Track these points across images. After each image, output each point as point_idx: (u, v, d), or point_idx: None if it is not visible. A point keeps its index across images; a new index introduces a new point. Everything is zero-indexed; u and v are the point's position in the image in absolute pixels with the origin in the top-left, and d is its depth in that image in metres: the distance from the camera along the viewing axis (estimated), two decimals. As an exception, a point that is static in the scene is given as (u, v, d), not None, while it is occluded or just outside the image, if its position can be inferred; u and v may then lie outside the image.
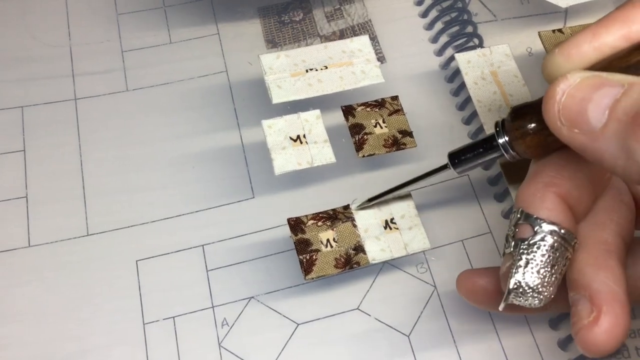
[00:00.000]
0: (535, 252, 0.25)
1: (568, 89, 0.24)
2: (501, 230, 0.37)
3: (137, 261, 0.37)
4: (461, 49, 0.42)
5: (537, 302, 0.26)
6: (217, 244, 0.37)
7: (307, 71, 0.37)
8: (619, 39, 0.25)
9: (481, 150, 0.29)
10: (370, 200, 0.34)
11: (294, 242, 0.33)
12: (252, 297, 0.36)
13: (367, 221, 0.34)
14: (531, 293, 0.25)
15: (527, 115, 0.27)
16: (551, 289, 0.26)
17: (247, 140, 0.40)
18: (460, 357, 0.34)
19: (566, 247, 0.26)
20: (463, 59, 0.39)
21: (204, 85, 0.42)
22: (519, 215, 0.26)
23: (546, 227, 0.25)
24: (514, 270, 0.25)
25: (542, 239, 0.25)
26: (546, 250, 0.25)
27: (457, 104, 0.41)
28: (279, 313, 0.35)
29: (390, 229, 0.34)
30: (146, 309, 0.35)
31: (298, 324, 0.35)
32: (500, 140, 0.28)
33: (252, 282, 0.36)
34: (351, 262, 0.33)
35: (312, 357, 0.34)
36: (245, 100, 0.42)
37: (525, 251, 0.25)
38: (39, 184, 0.39)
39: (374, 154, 0.36)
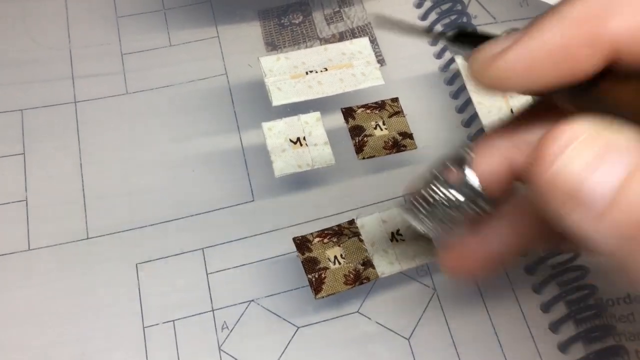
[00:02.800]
0: (444, 195, 0.24)
1: (561, 154, 0.18)
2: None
3: (137, 264, 0.36)
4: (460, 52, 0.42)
5: (426, 232, 0.25)
6: (217, 247, 0.37)
7: (307, 73, 0.37)
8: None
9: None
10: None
11: (302, 261, 0.33)
12: (252, 301, 0.35)
13: (373, 235, 0.34)
14: (423, 223, 0.24)
15: None
16: (438, 233, 0.24)
17: (247, 142, 0.40)
18: (460, 360, 0.34)
19: (477, 211, 0.24)
20: (463, 62, 0.39)
21: (204, 88, 0.42)
22: (458, 157, 0.24)
23: (467, 182, 0.23)
24: (418, 195, 0.24)
25: (460, 190, 0.23)
26: (451, 203, 0.24)
27: (457, 107, 0.41)
28: (279, 316, 0.35)
29: (397, 240, 0.34)
30: (146, 312, 0.35)
31: (298, 327, 0.35)
32: None
33: (253, 286, 0.36)
34: (361, 277, 0.33)
35: (312, 360, 0.34)
36: (245, 103, 0.41)
37: (436, 192, 0.24)
38: (38, 187, 0.39)
39: (374, 156, 0.36)
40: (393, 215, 0.34)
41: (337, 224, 0.34)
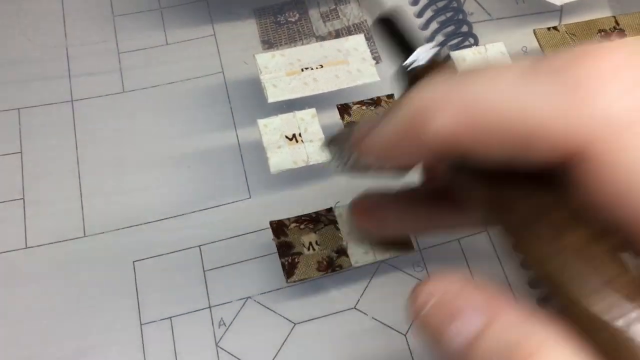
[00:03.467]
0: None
1: (424, 312, 0.19)
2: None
3: (134, 262, 0.37)
4: (456, 48, 0.42)
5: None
6: (213, 244, 0.37)
7: (302, 70, 0.37)
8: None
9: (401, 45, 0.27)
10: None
11: (276, 245, 0.33)
12: (249, 297, 0.36)
13: (350, 224, 0.34)
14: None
15: None
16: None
17: (243, 140, 0.40)
18: (457, 356, 0.34)
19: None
20: (458, 57, 0.39)
21: (200, 86, 0.42)
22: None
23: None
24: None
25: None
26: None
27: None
28: (276, 313, 0.35)
29: None
30: (143, 309, 0.35)
31: (295, 324, 0.35)
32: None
33: (249, 282, 0.36)
34: (334, 265, 0.33)
35: (310, 357, 0.34)
36: (241, 100, 0.42)
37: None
38: (35, 186, 0.39)
39: (369, 152, 0.36)
40: None
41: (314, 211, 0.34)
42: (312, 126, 0.36)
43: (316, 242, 0.34)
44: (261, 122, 0.36)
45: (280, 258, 0.33)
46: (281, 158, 0.35)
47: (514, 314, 0.18)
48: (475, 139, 0.19)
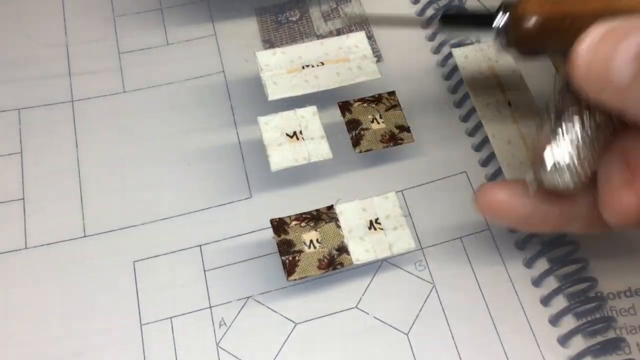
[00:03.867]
0: (578, 124, 0.23)
1: (591, 47, 0.22)
2: (500, 228, 0.37)
3: (134, 262, 0.36)
4: (458, 45, 0.42)
5: (570, 181, 0.24)
6: (214, 243, 0.37)
7: (303, 67, 0.37)
8: None
9: (475, 24, 0.28)
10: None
11: (277, 243, 0.33)
12: (250, 297, 0.35)
13: (351, 222, 0.34)
14: (567, 170, 0.24)
15: (533, 4, 0.25)
16: (588, 168, 0.24)
17: (244, 138, 0.40)
18: (459, 356, 0.34)
19: (611, 124, 0.24)
20: (460, 54, 0.39)
21: (201, 85, 0.42)
22: (563, 82, 0.24)
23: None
24: (552, 144, 0.24)
25: (588, 113, 0.24)
26: (589, 125, 0.23)
27: (454, 101, 0.41)
28: (276, 312, 0.35)
29: (375, 229, 0.34)
30: (143, 309, 0.35)
31: (296, 323, 0.35)
32: (499, 22, 0.27)
33: (250, 282, 0.36)
34: (335, 262, 0.33)
35: (311, 356, 0.34)
36: (242, 99, 0.41)
37: (566, 123, 0.24)
38: (36, 186, 0.39)
39: (371, 150, 0.36)
40: (373, 204, 0.34)
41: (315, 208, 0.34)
42: (313, 124, 0.36)
43: (317, 240, 0.33)
44: (262, 119, 0.36)
45: (280, 256, 0.33)
46: (282, 156, 0.35)
47: None
48: None
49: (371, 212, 0.34)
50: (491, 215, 0.30)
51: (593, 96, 0.23)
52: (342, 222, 0.34)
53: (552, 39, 0.24)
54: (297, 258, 0.33)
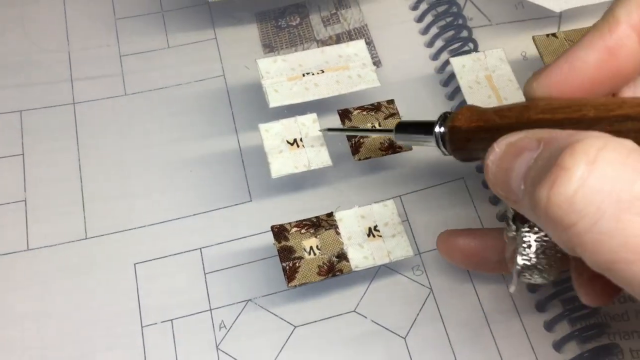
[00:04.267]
0: (538, 232, 0.25)
1: (496, 161, 0.24)
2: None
3: (135, 264, 0.37)
4: (456, 53, 0.43)
5: (545, 280, 0.26)
6: (214, 247, 0.37)
7: (303, 75, 0.37)
8: (597, 52, 0.25)
9: (422, 131, 0.31)
10: (331, 129, 0.36)
11: (277, 250, 0.34)
12: (250, 300, 0.36)
13: (351, 229, 0.34)
14: (539, 273, 0.25)
15: (462, 119, 0.28)
16: (559, 265, 0.25)
17: (244, 144, 0.40)
18: (456, 359, 0.34)
19: None
20: (458, 63, 0.39)
21: (202, 89, 0.43)
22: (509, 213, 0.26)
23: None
24: (518, 254, 0.25)
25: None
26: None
27: (452, 108, 0.42)
28: (276, 316, 0.35)
29: (374, 236, 0.34)
30: (144, 311, 0.35)
31: (295, 327, 0.35)
32: (437, 130, 0.29)
33: (250, 285, 0.36)
34: (334, 269, 0.33)
35: (310, 359, 0.34)
36: (243, 104, 0.42)
37: (528, 233, 0.25)
38: (37, 188, 0.39)
39: (370, 157, 0.36)
40: (372, 211, 0.35)
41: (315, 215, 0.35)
42: (313, 131, 0.36)
43: (317, 247, 0.34)
44: (263, 126, 0.36)
45: (281, 262, 0.33)
46: (282, 163, 0.35)
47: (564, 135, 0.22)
48: None
49: (370, 220, 0.35)
50: (451, 260, 0.33)
51: (505, 201, 0.25)
52: (341, 229, 0.34)
53: (481, 148, 0.26)
54: (297, 264, 0.33)
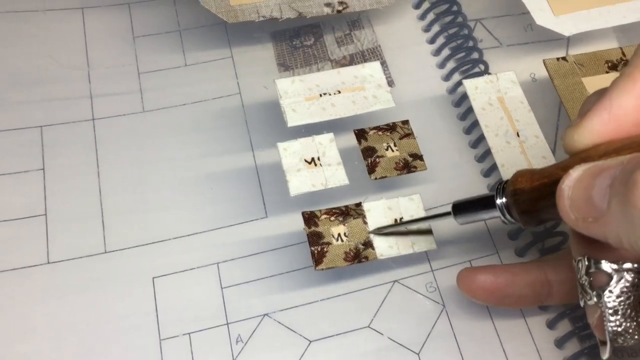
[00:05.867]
0: (621, 296, 0.25)
1: (573, 183, 0.25)
2: (507, 250, 0.38)
3: (153, 278, 0.37)
4: (467, 74, 0.43)
5: (633, 340, 0.26)
6: (231, 262, 0.38)
7: (321, 95, 0.38)
8: (635, 97, 0.26)
9: (481, 207, 0.31)
10: (380, 229, 0.36)
11: (307, 234, 0.35)
12: (266, 314, 0.36)
13: (377, 219, 0.36)
14: (630, 336, 0.25)
15: (523, 181, 0.28)
16: None
17: (260, 161, 0.41)
18: (468, 374, 0.35)
19: None
20: (471, 86, 0.40)
21: (218, 107, 0.44)
22: (587, 264, 0.26)
23: (621, 268, 0.25)
24: (607, 321, 0.25)
25: (621, 281, 0.25)
26: (630, 290, 0.25)
27: (464, 128, 0.43)
28: (292, 330, 0.36)
29: None
30: (162, 325, 0.36)
31: (311, 341, 0.36)
32: (498, 201, 0.30)
33: (266, 300, 0.37)
34: (360, 256, 0.34)
35: (324, 373, 0.35)
36: (258, 122, 0.43)
37: (610, 299, 0.25)
38: (58, 202, 0.40)
39: (385, 177, 0.37)
40: (398, 204, 0.36)
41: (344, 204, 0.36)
42: (330, 150, 0.37)
43: (345, 234, 0.35)
44: (281, 145, 0.37)
45: (310, 246, 0.34)
46: (300, 181, 0.36)
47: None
48: None
49: (396, 211, 0.36)
50: (471, 296, 0.34)
51: (579, 228, 0.26)
52: (368, 219, 0.36)
53: (549, 207, 0.27)
54: (325, 249, 0.34)
